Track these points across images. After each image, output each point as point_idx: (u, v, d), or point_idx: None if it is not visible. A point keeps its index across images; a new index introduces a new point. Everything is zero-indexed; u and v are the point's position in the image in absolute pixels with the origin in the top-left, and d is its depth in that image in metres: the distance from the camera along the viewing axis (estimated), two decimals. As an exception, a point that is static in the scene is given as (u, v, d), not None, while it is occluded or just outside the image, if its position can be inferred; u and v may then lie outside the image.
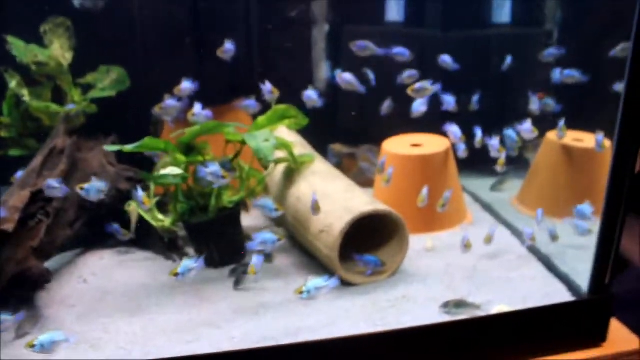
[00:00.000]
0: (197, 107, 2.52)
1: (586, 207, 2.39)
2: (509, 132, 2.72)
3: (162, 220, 2.50)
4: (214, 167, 2.22)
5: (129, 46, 3.06)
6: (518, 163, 3.10)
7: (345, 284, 2.36)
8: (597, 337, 2.09)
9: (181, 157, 2.45)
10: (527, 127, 2.65)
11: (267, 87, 2.51)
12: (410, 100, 2.61)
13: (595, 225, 2.07)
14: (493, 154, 2.68)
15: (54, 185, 2.15)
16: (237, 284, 2.39)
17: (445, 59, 2.72)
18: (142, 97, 2.89)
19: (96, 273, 2.52)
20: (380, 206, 2.41)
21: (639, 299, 2.40)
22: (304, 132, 2.97)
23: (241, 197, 2.59)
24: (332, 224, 2.35)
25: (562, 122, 2.80)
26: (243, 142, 2.49)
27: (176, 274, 1.98)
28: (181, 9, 3.05)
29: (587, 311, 2.08)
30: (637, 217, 2.09)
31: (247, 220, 2.77)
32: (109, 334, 2.11)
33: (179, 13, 3.05)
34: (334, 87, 3.50)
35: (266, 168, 2.55)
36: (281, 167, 2.76)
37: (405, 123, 2.70)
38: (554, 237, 2.52)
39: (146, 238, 2.66)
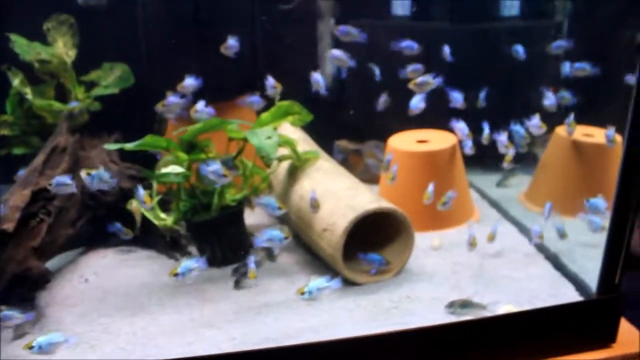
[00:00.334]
0: (200, 104, 2.50)
1: (600, 201, 2.31)
2: (517, 128, 2.67)
3: (164, 219, 2.48)
4: (216, 166, 2.19)
5: (133, 43, 3.04)
6: (526, 159, 3.05)
7: (348, 283, 2.33)
8: (607, 338, 2.04)
9: (183, 155, 2.42)
10: (535, 123, 2.60)
11: (270, 81, 2.48)
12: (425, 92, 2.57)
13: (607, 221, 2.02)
14: (501, 149, 2.63)
15: (64, 182, 2.09)
16: (238, 284, 2.36)
17: (446, 50, 2.67)
18: (147, 94, 2.86)
19: (98, 272, 2.50)
20: (385, 204, 2.37)
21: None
22: (309, 129, 2.94)
23: (244, 195, 2.56)
24: (336, 222, 2.31)
25: (571, 117, 2.75)
26: (246, 140, 2.46)
27: (176, 274, 1.95)
28: (184, 4, 3.02)
29: (596, 311, 2.03)
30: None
31: (251, 218, 2.74)
32: (110, 334, 2.09)
33: (182, 8, 3.02)
34: (340, 82, 3.49)
35: (269, 166, 2.51)
36: (285, 165, 2.73)
37: (412, 119, 2.65)
38: (562, 235, 2.47)
39: (149, 237, 2.63)
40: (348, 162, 3.36)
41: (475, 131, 2.67)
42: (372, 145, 3.35)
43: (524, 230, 2.76)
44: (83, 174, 2.09)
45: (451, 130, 2.75)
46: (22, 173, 2.47)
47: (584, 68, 2.69)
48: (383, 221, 2.41)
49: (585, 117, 2.83)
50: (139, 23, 3.00)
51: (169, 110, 2.44)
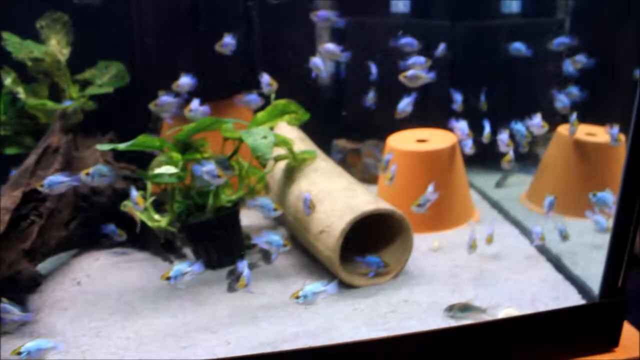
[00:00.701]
0: (195, 103, 2.46)
1: (607, 196, 2.24)
2: (518, 127, 2.62)
3: (158, 220, 2.43)
4: (210, 166, 2.15)
5: (128, 40, 3.01)
6: (527, 159, 3.00)
7: (346, 286, 2.28)
8: (609, 341, 2.00)
9: (177, 155, 2.38)
10: (536, 122, 2.55)
11: (265, 79, 2.43)
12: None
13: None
14: (502, 148, 2.58)
15: (58, 180, 2.01)
16: (231, 287, 2.32)
17: (442, 48, 2.64)
18: (143, 92, 2.82)
19: (91, 275, 2.46)
20: (383, 205, 2.32)
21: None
22: (307, 128, 2.89)
23: (240, 196, 2.51)
24: (333, 224, 2.26)
25: (574, 117, 2.70)
26: (241, 139, 2.41)
27: (168, 278, 1.90)
28: (181, 2, 2.98)
29: (599, 315, 1.99)
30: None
31: (247, 219, 2.70)
32: (101, 338, 2.05)
33: (177, 5, 2.98)
34: (339, 81, 3.45)
35: (264, 166, 2.47)
36: (282, 165, 2.68)
37: (412, 117, 2.61)
38: (564, 236, 2.43)
39: (143, 238, 2.59)
40: (347, 162, 3.32)
41: (476, 130, 2.63)
42: (371, 145, 3.30)
43: (525, 231, 2.71)
44: (82, 175, 2.04)
45: (452, 130, 2.71)
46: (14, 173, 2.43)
47: (580, 60, 2.65)
48: (381, 222, 2.36)
49: (588, 115, 2.78)
50: (134, 20, 2.96)
51: (161, 109, 2.41)
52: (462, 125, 2.63)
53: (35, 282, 2.22)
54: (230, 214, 2.50)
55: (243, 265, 2.09)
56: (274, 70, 2.59)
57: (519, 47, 2.86)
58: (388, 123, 2.94)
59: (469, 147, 2.62)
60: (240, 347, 1.97)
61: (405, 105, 2.51)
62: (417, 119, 2.72)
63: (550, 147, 2.99)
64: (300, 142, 2.74)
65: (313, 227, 2.35)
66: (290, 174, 2.61)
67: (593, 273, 2.09)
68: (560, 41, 2.79)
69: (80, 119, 2.87)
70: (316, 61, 2.45)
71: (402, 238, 2.38)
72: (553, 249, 2.51)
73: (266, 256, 2.53)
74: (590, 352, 1.98)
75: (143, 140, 2.29)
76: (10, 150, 2.79)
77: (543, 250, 2.53)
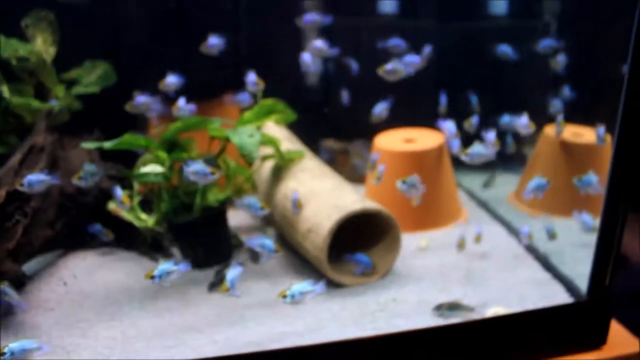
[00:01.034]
0: (181, 102, 2.44)
1: (592, 177, 2.17)
2: (506, 120, 2.63)
3: (144, 220, 2.41)
4: (196, 165, 2.13)
5: (115, 39, 2.98)
6: (515, 159, 3.01)
7: (334, 285, 2.28)
8: (597, 339, 2.01)
9: (163, 154, 2.36)
10: (523, 122, 2.55)
11: (252, 78, 2.42)
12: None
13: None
14: (488, 147, 2.58)
15: (39, 180, 1.96)
16: (211, 288, 2.31)
17: (427, 50, 2.64)
18: (129, 91, 2.80)
19: (77, 275, 2.43)
20: (370, 204, 2.32)
21: (637, 296, 2.32)
22: (295, 128, 2.88)
23: (228, 196, 2.50)
24: (320, 223, 2.26)
25: (560, 117, 2.71)
26: (228, 138, 2.40)
27: (152, 277, 1.88)
28: (167, 1, 2.96)
29: (587, 313, 2.00)
30: (638, 214, 1.99)
31: (235, 219, 2.68)
32: (87, 339, 2.03)
33: (165, 5, 2.96)
34: (327, 81, 3.44)
35: (251, 165, 2.45)
36: (269, 164, 2.67)
37: (399, 117, 2.61)
38: (551, 235, 2.44)
39: (131, 238, 2.57)
40: (335, 162, 3.31)
41: (464, 131, 2.63)
42: (360, 145, 3.29)
43: (513, 230, 2.72)
44: (74, 180, 2.02)
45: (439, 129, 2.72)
46: (-2, 173, 2.40)
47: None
48: (369, 222, 2.36)
49: (575, 116, 2.80)
50: (121, 19, 2.94)
51: (137, 110, 2.38)
52: (449, 126, 2.64)
53: (20, 282, 2.19)
54: (218, 214, 2.49)
55: (234, 273, 2.01)
56: (261, 69, 2.58)
57: (505, 49, 2.88)
58: (377, 122, 2.96)
59: (457, 147, 2.61)
60: (228, 347, 1.96)
61: (380, 110, 2.51)
62: (406, 119, 2.72)
63: (537, 147, 3.00)
64: (288, 142, 2.73)
65: (301, 226, 2.35)
66: (278, 174, 2.60)
67: (580, 272, 2.10)
68: (546, 43, 2.80)
69: (67, 119, 2.84)
70: (306, 57, 2.44)
71: (390, 237, 2.38)
72: (540, 248, 2.51)
73: (254, 256, 2.52)
74: (578, 350, 1.99)
75: (129, 139, 2.27)
76: (-6, 150, 2.76)
77: (531, 249, 2.53)
